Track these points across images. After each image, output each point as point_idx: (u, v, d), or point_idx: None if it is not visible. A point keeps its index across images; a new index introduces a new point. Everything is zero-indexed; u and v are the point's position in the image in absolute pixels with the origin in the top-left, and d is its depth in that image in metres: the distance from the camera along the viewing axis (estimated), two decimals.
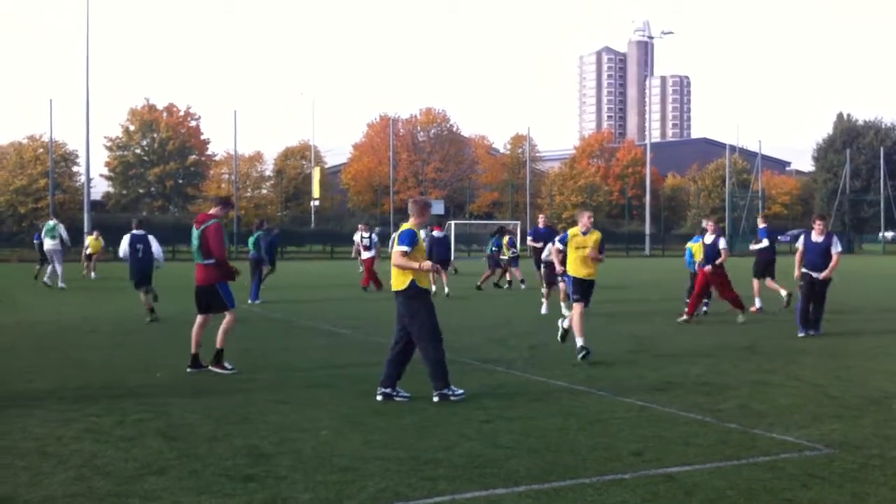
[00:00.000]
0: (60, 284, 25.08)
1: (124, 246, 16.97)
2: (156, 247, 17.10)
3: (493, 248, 26.03)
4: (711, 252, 16.61)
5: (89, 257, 31.99)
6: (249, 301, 19.93)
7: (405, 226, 9.26)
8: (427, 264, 9.06)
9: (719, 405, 8.70)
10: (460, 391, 8.99)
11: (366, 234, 24.63)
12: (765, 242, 19.17)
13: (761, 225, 20.01)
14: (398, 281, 9.08)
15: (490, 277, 25.77)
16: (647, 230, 66.40)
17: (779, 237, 20.90)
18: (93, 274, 31.08)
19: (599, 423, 7.91)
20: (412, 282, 8.99)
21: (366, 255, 24.52)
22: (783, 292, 18.52)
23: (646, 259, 57.27)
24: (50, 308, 19.56)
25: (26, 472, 6.28)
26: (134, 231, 16.92)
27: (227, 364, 10.75)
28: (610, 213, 75.02)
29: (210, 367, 10.76)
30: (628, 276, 32.60)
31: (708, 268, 16.50)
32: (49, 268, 26.02)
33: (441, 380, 8.94)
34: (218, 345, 10.79)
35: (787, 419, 8.08)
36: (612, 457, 6.73)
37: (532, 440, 7.25)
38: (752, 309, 18.23)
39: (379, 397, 8.97)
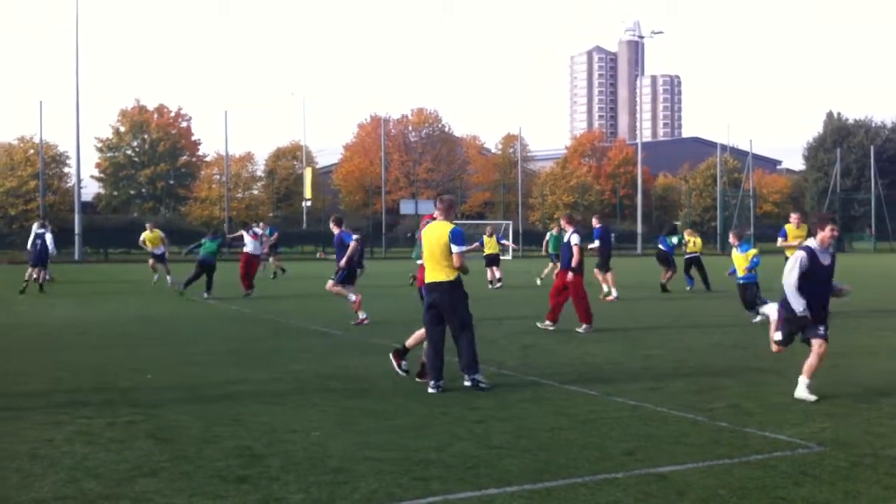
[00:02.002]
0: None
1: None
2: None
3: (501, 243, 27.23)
4: (567, 253, 15.06)
5: (157, 257, 27.43)
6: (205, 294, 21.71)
7: (448, 225, 9.56)
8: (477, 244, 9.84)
9: (711, 404, 8.71)
10: (487, 383, 9.52)
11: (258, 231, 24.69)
12: (596, 243, 21.25)
13: (596, 225, 21.90)
14: (440, 274, 9.50)
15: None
16: (639, 229, 66.53)
17: (612, 235, 24.25)
18: (168, 278, 26.51)
19: (591, 422, 7.92)
20: (455, 278, 9.51)
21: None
22: (605, 287, 21.62)
23: (637, 258, 57.34)
24: (39, 311, 19.50)
25: (17, 475, 6.25)
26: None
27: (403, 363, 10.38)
28: (602, 213, 75.06)
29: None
30: (620, 275, 32.58)
31: (570, 275, 14.85)
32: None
33: (475, 367, 9.51)
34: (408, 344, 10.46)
35: (778, 418, 8.10)
36: (605, 456, 6.73)
37: (524, 440, 7.25)
38: (609, 298, 21.13)
39: (432, 391, 9.37)
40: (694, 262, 24.65)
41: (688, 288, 24.34)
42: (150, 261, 27.91)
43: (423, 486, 5.99)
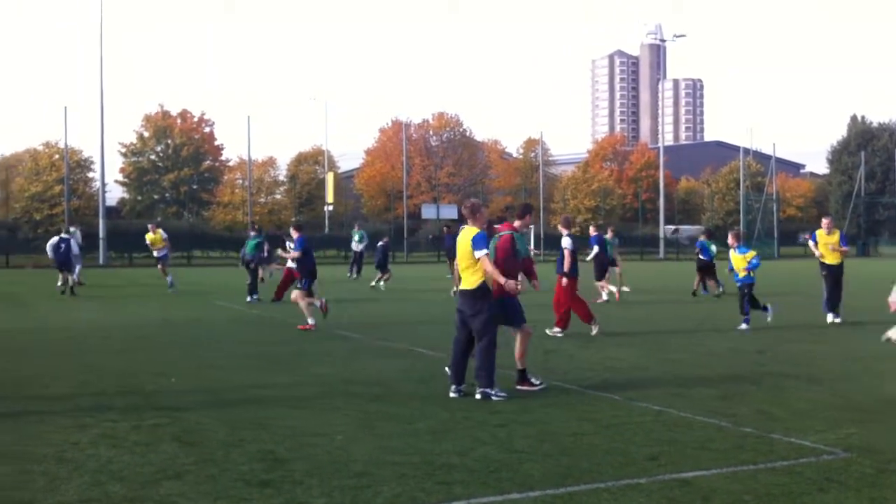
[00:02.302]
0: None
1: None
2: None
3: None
4: (561, 257, 15.22)
5: (158, 259, 27.77)
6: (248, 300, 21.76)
7: (473, 230, 9.46)
8: (511, 284, 9.40)
9: (735, 409, 8.65)
10: (503, 392, 9.28)
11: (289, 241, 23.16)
12: (595, 249, 21.37)
13: (593, 233, 22.13)
14: (468, 281, 9.45)
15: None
16: (661, 233, 66.25)
17: (616, 241, 25.27)
18: (168, 278, 26.87)
19: (615, 427, 7.89)
20: (483, 282, 9.41)
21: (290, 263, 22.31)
22: (605, 293, 21.91)
23: (660, 262, 57.14)
24: (64, 314, 19.65)
25: (43, 478, 6.30)
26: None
27: (533, 380, 9.93)
28: (623, 217, 74.84)
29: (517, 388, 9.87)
30: (643, 279, 32.49)
31: (563, 280, 15.00)
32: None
33: (489, 378, 9.28)
34: (520, 365, 10.00)
35: (804, 423, 8.04)
36: (628, 461, 6.70)
37: (547, 445, 7.23)
38: (602, 300, 21.46)
39: (453, 395, 9.38)
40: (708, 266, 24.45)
41: (721, 290, 23.88)
42: (159, 265, 27.90)
43: (445, 490, 5.99)
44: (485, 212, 9.79)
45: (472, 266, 9.43)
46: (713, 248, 24.78)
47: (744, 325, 15.81)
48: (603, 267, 21.93)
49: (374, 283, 27.80)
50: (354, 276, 33.19)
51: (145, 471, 6.47)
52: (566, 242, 15.11)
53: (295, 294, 16.54)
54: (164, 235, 27.86)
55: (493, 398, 9.16)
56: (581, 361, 11.98)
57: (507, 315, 9.88)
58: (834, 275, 17.21)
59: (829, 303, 17.08)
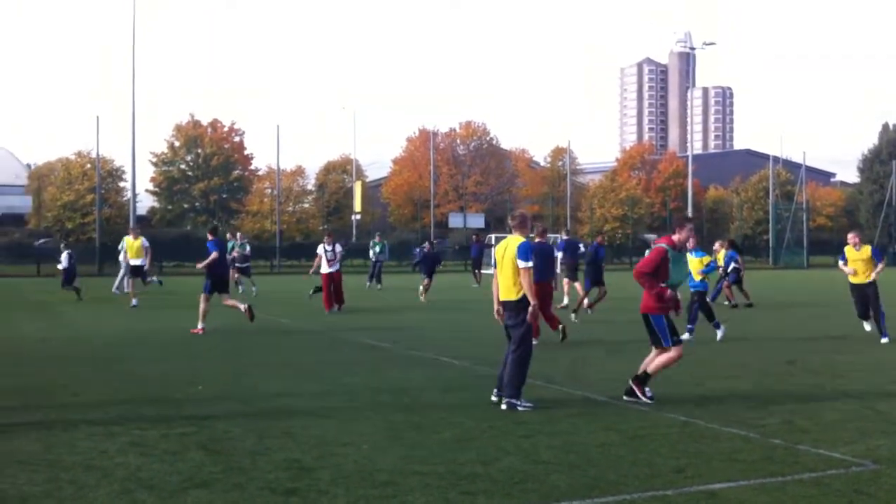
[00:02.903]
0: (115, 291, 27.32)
1: None
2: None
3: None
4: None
5: (133, 269, 25.44)
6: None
7: (519, 239, 9.47)
8: (535, 311, 9.44)
9: (763, 420, 8.59)
10: (529, 403, 9.28)
11: (329, 247, 22.07)
12: (560, 255, 22.45)
13: (564, 237, 24.00)
14: (511, 291, 9.44)
15: None
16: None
17: (579, 246, 25.11)
18: (125, 285, 26.57)
19: (641, 438, 7.86)
20: (524, 294, 9.37)
21: (327, 269, 21.93)
22: (566, 299, 22.63)
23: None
24: (93, 323, 19.84)
25: (71, 486, 6.37)
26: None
27: (646, 391, 9.68)
28: (651, 226, 74.46)
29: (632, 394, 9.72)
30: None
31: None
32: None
33: (517, 389, 9.29)
34: (649, 370, 9.75)
35: (832, 435, 7.97)
36: (654, 473, 6.67)
37: (572, 455, 7.21)
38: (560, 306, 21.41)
39: (493, 398, 9.50)
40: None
41: (726, 303, 23.90)
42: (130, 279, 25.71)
43: (470, 500, 5.99)
44: (530, 223, 9.87)
45: (514, 276, 9.40)
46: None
47: (720, 333, 15.62)
48: (571, 269, 22.82)
49: (421, 295, 26.08)
50: (378, 286, 32.88)
51: (173, 479, 6.53)
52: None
53: (200, 297, 17.30)
54: (146, 244, 25.04)
55: (519, 409, 9.16)
56: (608, 371, 11.93)
57: (651, 335, 9.72)
58: (864, 294, 15.77)
59: (864, 317, 16.09)
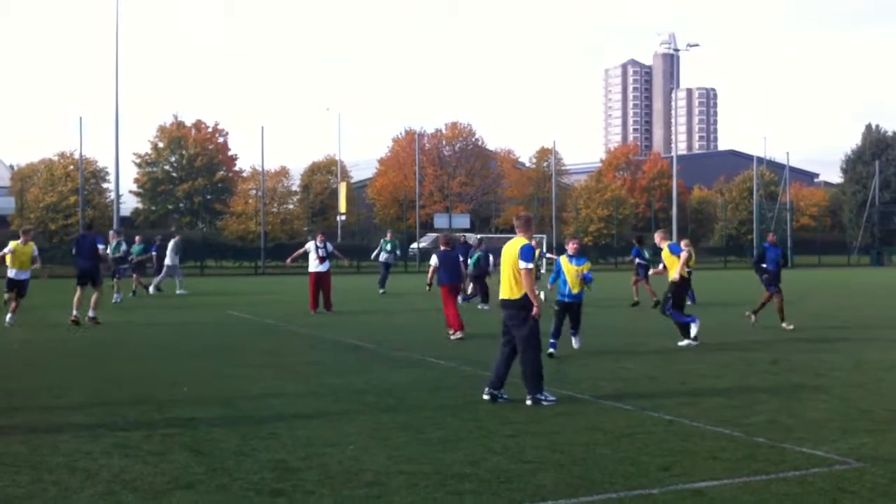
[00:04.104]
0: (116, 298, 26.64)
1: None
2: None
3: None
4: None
5: (14, 283, 19.37)
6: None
7: (521, 241, 9.67)
8: (537, 311, 9.58)
9: (748, 419, 8.63)
10: (553, 398, 9.49)
11: (320, 245, 21.96)
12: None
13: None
14: (511, 291, 9.61)
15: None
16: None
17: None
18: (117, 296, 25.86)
19: (626, 437, 7.88)
20: (525, 294, 9.52)
21: (316, 268, 21.80)
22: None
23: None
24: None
25: (55, 488, 6.33)
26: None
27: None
28: (636, 226, 74.66)
29: None
30: (655, 289, 32.41)
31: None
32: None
33: (538, 385, 9.48)
34: None
35: (816, 433, 8.01)
36: (640, 472, 6.70)
37: (559, 455, 7.23)
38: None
39: (486, 397, 9.64)
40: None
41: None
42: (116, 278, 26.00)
43: (457, 500, 5.99)
44: (534, 226, 10.10)
45: (515, 276, 9.58)
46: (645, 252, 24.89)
47: (574, 341, 14.10)
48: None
49: (481, 306, 23.40)
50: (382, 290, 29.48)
51: (157, 480, 6.50)
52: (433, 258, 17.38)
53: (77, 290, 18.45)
54: (35, 252, 19.61)
55: (544, 403, 9.37)
56: (593, 371, 11.96)
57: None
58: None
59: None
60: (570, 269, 13.92)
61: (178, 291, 29.90)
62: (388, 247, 30.95)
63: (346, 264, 29.07)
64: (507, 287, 9.69)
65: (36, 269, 19.50)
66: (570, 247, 14.29)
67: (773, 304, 17.74)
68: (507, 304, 9.70)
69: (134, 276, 29.35)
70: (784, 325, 17.22)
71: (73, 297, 18.54)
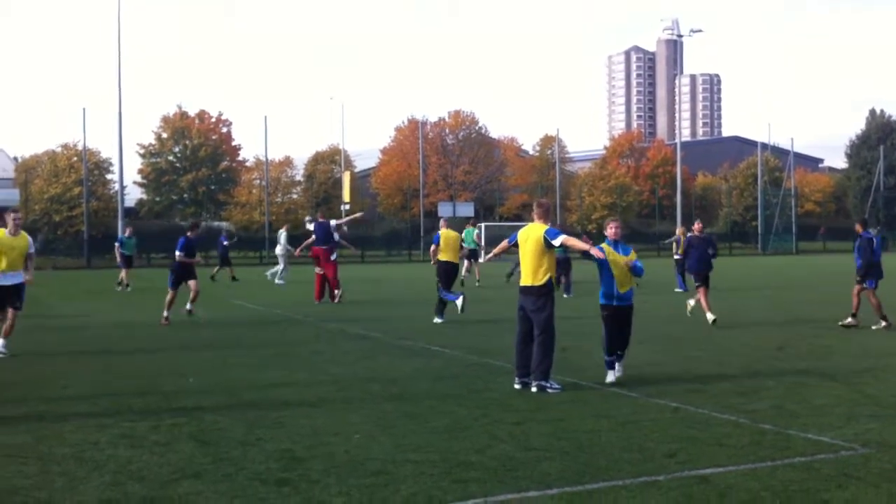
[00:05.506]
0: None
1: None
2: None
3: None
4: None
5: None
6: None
7: (542, 226, 9.83)
8: (596, 251, 9.84)
9: (753, 406, 8.63)
10: (558, 385, 9.53)
11: (331, 225, 22.05)
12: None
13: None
14: (534, 277, 9.73)
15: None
16: (678, 230, 65.87)
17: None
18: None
19: (632, 424, 7.88)
20: (549, 280, 9.69)
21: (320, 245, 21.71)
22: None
23: (677, 259, 56.82)
24: (83, 315, 19.76)
25: (62, 478, 6.35)
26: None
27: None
28: (640, 213, 74.58)
29: None
30: (660, 276, 32.40)
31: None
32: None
33: (546, 372, 9.54)
34: None
35: (822, 419, 8.01)
36: (646, 458, 6.70)
37: (564, 442, 7.23)
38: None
39: (517, 386, 9.67)
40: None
41: (678, 290, 24.18)
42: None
43: (462, 488, 6.00)
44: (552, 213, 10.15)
45: (538, 262, 9.69)
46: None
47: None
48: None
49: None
50: (476, 281, 27.89)
51: (164, 471, 6.52)
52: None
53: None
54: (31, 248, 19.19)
55: (549, 391, 9.39)
56: (598, 359, 11.94)
57: None
58: None
59: None
60: (617, 260, 10.29)
61: (277, 281, 30.05)
62: (472, 235, 29.66)
63: (352, 251, 29.31)
64: (529, 272, 9.77)
65: (28, 279, 12.88)
66: (611, 230, 10.60)
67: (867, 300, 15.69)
68: (528, 290, 9.76)
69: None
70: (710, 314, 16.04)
71: (165, 298, 17.63)
